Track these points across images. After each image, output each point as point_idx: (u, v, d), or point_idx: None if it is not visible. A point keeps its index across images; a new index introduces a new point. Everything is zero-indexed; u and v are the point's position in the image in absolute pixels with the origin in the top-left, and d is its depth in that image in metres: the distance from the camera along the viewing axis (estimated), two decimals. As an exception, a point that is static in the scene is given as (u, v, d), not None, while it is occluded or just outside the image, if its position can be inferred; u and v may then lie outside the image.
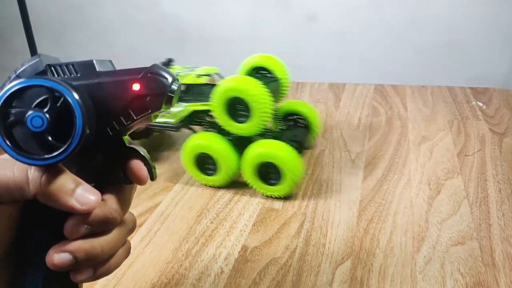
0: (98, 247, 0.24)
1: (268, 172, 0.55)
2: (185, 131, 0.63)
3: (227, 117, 0.54)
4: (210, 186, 0.59)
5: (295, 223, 0.52)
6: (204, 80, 0.68)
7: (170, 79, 0.24)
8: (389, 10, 1.05)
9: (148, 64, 0.24)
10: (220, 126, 0.55)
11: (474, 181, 0.59)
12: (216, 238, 0.50)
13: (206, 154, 0.56)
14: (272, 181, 0.55)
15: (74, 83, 0.23)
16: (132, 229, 0.28)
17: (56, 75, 0.23)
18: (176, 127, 0.59)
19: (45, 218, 0.24)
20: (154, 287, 0.43)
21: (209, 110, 0.54)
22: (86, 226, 0.24)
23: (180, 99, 0.61)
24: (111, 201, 0.25)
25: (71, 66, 0.23)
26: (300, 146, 0.61)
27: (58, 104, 0.21)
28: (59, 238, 0.24)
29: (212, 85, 0.64)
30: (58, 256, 0.23)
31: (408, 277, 0.43)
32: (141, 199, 0.58)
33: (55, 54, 0.25)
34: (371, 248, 0.47)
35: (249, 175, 0.55)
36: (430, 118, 0.80)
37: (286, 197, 0.56)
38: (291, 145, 0.54)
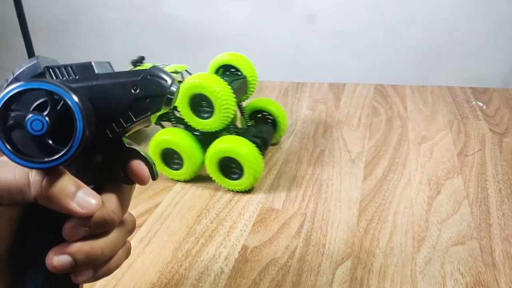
0: (97, 248, 0.24)
1: (231, 167, 0.57)
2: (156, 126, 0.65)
3: (191, 113, 0.56)
4: (177, 180, 0.62)
5: (295, 223, 0.52)
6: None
7: (169, 81, 0.24)
8: (389, 10, 1.05)
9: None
10: (186, 122, 0.57)
11: (474, 181, 0.59)
12: (216, 238, 0.50)
13: (171, 149, 0.59)
14: (234, 176, 0.57)
15: (73, 85, 0.22)
16: (131, 230, 0.28)
17: (54, 78, 0.23)
18: None
19: (46, 220, 0.24)
20: (154, 287, 0.43)
21: (176, 107, 0.56)
22: (85, 228, 0.24)
23: None
24: (110, 202, 0.25)
25: (69, 68, 0.23)
26: (265, 142, 0.63)
27: (58, 107, 0.21)
28: (60, 240, 0.24)
29: (180, 82, 0.65)
30: (58, 258, 0.23)
31: (408, 277, 0.43)
32: (141, 199, 0.58)
33: (52, 56, 0.25)
34: (371, 248, 0.47)
35: (211, 170, 0.58)
36: (430, 118, 0.80)
37: (247, 191, 0.58)
38: (255, 141, 0.57)
